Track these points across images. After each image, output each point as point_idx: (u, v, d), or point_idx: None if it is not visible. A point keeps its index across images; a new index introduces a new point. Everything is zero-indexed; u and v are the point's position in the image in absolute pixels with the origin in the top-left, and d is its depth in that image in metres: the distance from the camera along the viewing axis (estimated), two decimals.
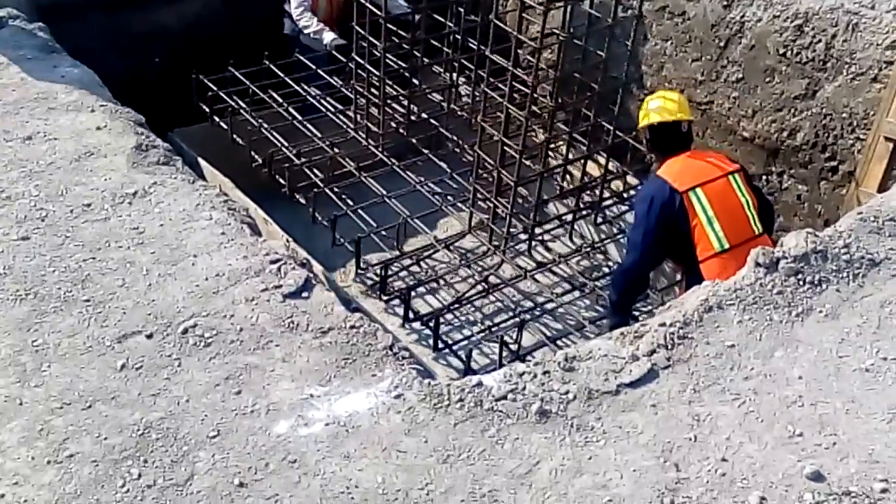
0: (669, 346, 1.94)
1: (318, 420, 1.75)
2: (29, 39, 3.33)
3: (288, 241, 2.93)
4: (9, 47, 3.23)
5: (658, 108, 2.85)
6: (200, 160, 3.45)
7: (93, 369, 1.87)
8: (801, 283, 2.11)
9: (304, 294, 2.12)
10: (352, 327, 2.03)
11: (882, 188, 3.13)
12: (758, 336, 1.99)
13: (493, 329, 3.27)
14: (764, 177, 3.76)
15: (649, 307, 3.35)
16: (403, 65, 3.83)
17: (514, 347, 2.97)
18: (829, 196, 3.53)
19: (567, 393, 1.81)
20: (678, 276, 3.19)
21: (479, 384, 1.83)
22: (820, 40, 3.35)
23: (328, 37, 4.13)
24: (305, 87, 4.02)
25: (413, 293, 3.28)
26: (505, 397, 1.79)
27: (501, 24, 3.15)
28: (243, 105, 3.84)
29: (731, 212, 2.69)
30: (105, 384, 1.83)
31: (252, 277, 2.16)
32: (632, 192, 3.80)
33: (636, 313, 3.12)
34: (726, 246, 2.63)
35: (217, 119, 3.86)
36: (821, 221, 3.56)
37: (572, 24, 3.51)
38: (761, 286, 2.09)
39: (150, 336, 1.96)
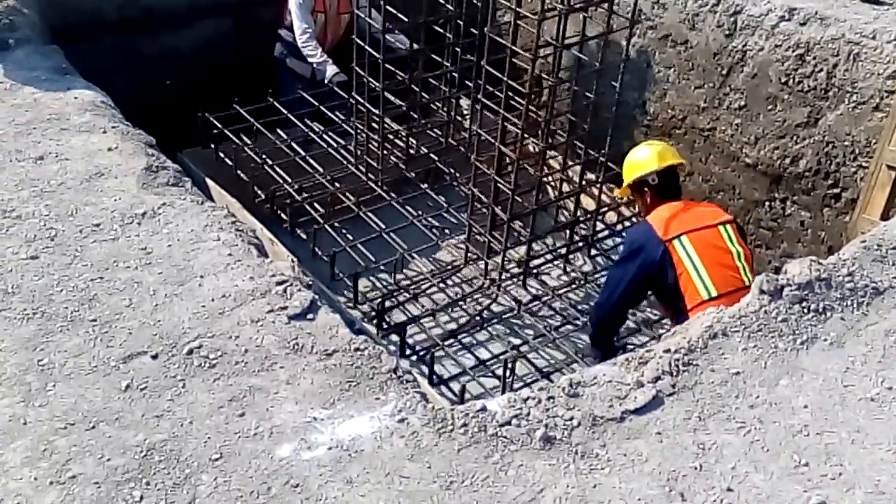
0: (674, 373, 1.93)
1: (321, 444, 1.75)
2: (43, 61, 3.38)
3: (294, 261, 2.95)
4: (23, 68, 3.29)
5: (656, 155, 2.83)
6: (208, 181, 3.50)
7: (97, 389, 1.87)
8: (805, 310, 2.12)
9: (310, 316, 2.13)
10: (356, 350, 2.03)
11: (885, 216, 3.14)
12: (763, 364, 1.98)
13: (487, 363, 3.27)
14: (767, 203, 3.78)
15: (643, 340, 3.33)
16: (402, 103, 3.91)
17: (508, 382, 2.96)
18: (833, 223, 3.54)
19: (572, 419, 1.80)
20: (666, 320, 3.17)
21: (483, 409, 1.82)
22: (821, 69, 3.39)
23: (331, 71, 4.16)
24: (309, 124, 4.10)
25: (409, 327, 3.29)
26: (509, 423, 1.79)
27: (492, 70, 3.24)
28: (248, 142, 3.91)
29: (719, 260, 2.64)
30: (109, 405, 1.83)
31: (258, 299, 2.17)
32: (626, 224, 3.84)
33: (626, 344, 3.12)
34: (714, 294, 2.58)
35: (223, 155, 3.92)
36: (824, 248, 3.57)
37: (562, 67, 3.57)
38: (766, 314, 2.09)
39: (155, 356, 1.97)
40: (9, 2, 3.61)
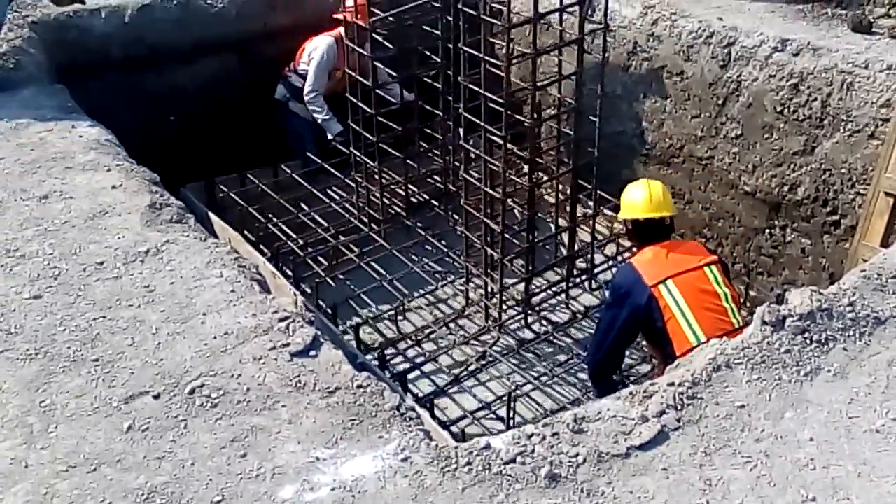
0: (679, 407, 1.92)
1: (323, 485, 1.73)
2: (48, 100, 3.45)
3: (296, 294, 2.96)
4: (29, 108, 3.35)
5: (643, 204, 2.84)
6: (211, 215, 3.53)
7: (99, 431, 1.87)
8: (808, 341, 2.11)
9: (312, 352, 2.13)
10: (359, 387, 2.02)
11: (884, 242, 3.15)
12: (767, 396, 1.97)
13: (490, 405, 3.26)
14: (767, 230, 3.80)
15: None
16: (399, 154, 4.00)
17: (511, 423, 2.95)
18: (833, 249, 3.55)
19: (577, 456, 1.79)
20: (655, 362, 3.15)
21: (488, 447, 1.81)
22: (816, 98, 3.43)
23: (335, 128, 4.31)
24: (315, 187, 4.20)
25: (411, 374, 3.29)
26: (514, 460, 1.77)
27: (471, 117, 3.35)
28: (253, 211, 4.01)
29: (705, 304, 2.62)
30: (111, 447, 1.82)
31: (260, 336, 2.17)
32: (626, 255, 3.87)
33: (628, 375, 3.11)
34: (702, 339, 2.55)
35: (233, 223, 3.97)
36: (826, 275, 3.57)
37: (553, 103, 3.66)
38: (769, 345, 2.08)
39: (157, 396, 1.97)
40: (16, 42, 3.69)
